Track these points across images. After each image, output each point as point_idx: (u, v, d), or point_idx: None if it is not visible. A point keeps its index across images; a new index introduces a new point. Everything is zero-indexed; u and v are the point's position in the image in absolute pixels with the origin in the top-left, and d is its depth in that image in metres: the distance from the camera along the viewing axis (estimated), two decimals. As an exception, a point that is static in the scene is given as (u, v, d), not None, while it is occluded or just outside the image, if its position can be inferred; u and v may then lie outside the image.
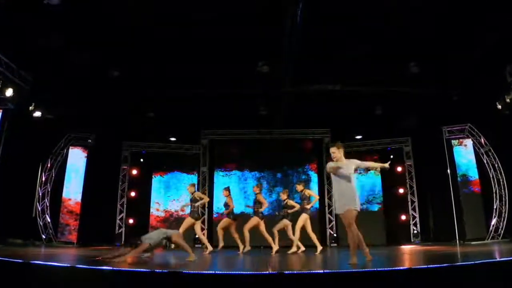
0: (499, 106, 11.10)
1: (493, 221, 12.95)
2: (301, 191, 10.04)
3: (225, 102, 12.99)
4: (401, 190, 15.71)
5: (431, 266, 4.65)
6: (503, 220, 12.84)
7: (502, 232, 12.73)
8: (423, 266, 4.86)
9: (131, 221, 15.61)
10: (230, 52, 10.17)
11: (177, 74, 11.16)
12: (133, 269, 4.70)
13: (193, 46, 9.98)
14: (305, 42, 9.04)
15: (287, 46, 9.13)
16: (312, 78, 11.57)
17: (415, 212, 15.27)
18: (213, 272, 4.45)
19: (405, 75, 10.59)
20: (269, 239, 9.86)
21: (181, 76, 11.24)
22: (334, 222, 15.45)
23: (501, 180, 13.11)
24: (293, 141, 16.41)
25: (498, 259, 5.67)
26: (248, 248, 10.06)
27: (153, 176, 16.11)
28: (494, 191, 13.22)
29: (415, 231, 15.01)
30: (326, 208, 15.66)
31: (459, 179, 13.66)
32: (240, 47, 9.91)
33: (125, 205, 15.52)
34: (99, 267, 4.77)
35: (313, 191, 12.83)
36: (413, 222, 15.15)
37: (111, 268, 4.65)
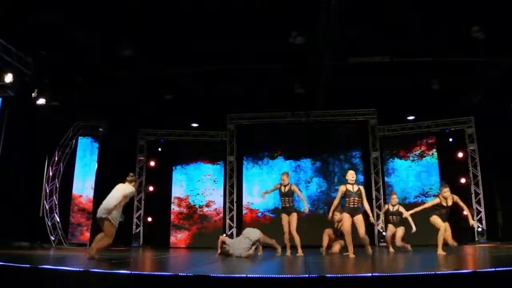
0: None
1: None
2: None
3: (254, 81, 12.90)
4: (462, 180, 15.32)
5: (500, 269, 4.51)
6: None
7: None
8: (489, 269, 4.72)
9: (149, 219, 15.85)
10: (258, 20, 10.05)
11: (198, 49, 11.11)
12: (153, 273, 4.73)
13: (215, 16, 9.89)
14: (347, 6, 8.82)
15: (326, 11, 8.94)
16: (356, 49, 11.32)
17: (479, 206, 14.87)
18: (244, 276, 4.43)
19: (467, 42, 10.20)
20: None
21: (202, 51, 11.19)
22: (383, 218, 15.22)
23: None
24: (334, 123, 16.23)
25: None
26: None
27: (173, 168, 16.26)
28: None
29: (480, 229, 14.63)
30: (374, 201, 15.46)
31: (534, 166, 13.20)
32: (269, 13, 9.77)
33: (143, 201, 15.76)
34: (115, 271, 4.81)
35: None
36: (478, 217, 14.75)
37: (129, 272, 4.69)
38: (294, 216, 9.29)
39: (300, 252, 9.07)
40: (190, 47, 11.10)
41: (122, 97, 13.33)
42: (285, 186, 9.42)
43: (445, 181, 9.25)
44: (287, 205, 9.42)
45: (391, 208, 11.04)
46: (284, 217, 9.36)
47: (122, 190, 8.14)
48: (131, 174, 8.38)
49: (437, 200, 9.04)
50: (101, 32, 10.16)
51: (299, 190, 9.74)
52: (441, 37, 10.58)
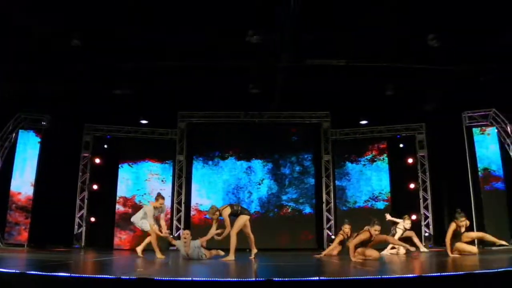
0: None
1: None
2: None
3: (207, 78, 12.85)
4: (411, 186, 15.79)
5: (444, 274, 4.68)
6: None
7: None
8: (434, 274, 4.89)
9: (93, 219, 15.48)
10: (214, 17, 10.03)
11: (150, 43, 10.96)
12: (94, 276, 4.63)
13: (169, 9, 9.79)
14: (305, 8, 8.93)
15: (283, 12, 9.02)
16: (312, 52, 11.47)
17: (427, 211, 15.37)
18: (190, 279, 4.40)
19: (422, 49, 10.55)
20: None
21: (155, 45, 11.06)
22: (332, 222, 15.52)
23: (529, 175, 13.25)
24: (287, 125, 16.41)
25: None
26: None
27: (119, 166, 15.95)
28: (520, 188, 13.34)
29: (427, 234, 15.13)
30: (324, 205, 15.71)
31: (480, 173, 13.75)
32: (226, 11, 9.76)
33: (86, 200, 15.37)
34: (53, 274, 4.68)
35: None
36: (425, 222, 15.25)
37: (68, 274, 4.57)
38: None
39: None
40: (142, 41, 10.93)
41: (68, 90, 12.99)
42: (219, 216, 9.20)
43: (460, 210, 9.55)
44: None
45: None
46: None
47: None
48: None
49: (453, 227, 9.24)
50: (47, 20, 9.86)
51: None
52: (397, 44, 10.87)
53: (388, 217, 11.89)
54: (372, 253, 8.67)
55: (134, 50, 11.32)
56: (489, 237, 9.70)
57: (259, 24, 10.06)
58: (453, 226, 9.27)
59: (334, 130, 16.27)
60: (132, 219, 10.05)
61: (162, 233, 9.67)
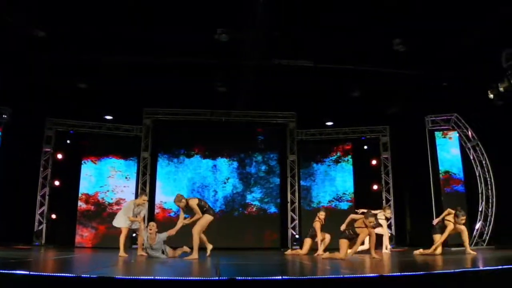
0: (491, 96, 11.43)
1: (478, 225, 13.46)
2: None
3: (174, 75, 12.76)
4: (375, 187, 16.09)
5: (405, 274, 4.78)
6: (489, 224, 13.36)
7: (487, 238, 13.25)
8: (395, 274, 4.99)
9: (54, 215, 15.17)
10: (183, 13, 9.97)
11: (117, 37, 10.82)
12: (53, 274, 4.55)
13: (138, 3, 9.69)
14: (275, 8, 8.99)
15: (252, 11, 9.04)
16: (280, 52, 11.54)
17: (390, 212, 15.63)
18: (151, 277, 4.38)
19: (389, 53, 10.74)
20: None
21: (121, 40, 10.92)
22: (297, 222, 15.65)
23: (488, 179, 13.62)
24: (253, 124, 16.45)
25: (480, 268, 5.89)
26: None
27: (82, 162, 15.69)
28: (480, 191, 13.71)
29: (389, 234, 15.38)
30: (289, 205, 15.83)
31: (441, 176, 14.09)
32: (195, 8, 9.73)
33: (47, 197, 15.04)
34: (11, 271, 4.58)
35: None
36: (388, 223, 15.50)
37: (27, 272, 4.48)
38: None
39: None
40: (108, 35, 10.78)
41: (30, 83, 12.69)
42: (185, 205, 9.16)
43: (460, 208, 9.79)
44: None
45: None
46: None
47: None
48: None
49: (451, 227, 9.48)
50: (9, 10, 9.61)
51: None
52: (364, 47, 11.04)
53: (360, 211, 11.78)
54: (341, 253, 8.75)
55: (100, 44, 11.15)
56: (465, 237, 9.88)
57: (227, 22, 10.06)
58: (451, 226, 9.48)
59: (300, 131, 16.40)
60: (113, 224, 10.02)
61: (142, 229, 9.71)
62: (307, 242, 10.95)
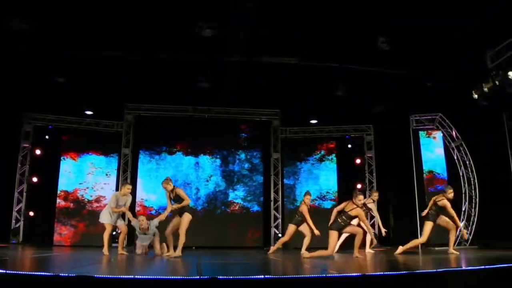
0: (475, 96, 11.58)
1: (461, 225, 13.63)
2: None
3: (156, 70, 12.70)
4: (359, 186, 16.20)
5: (386, 273, 4.84)
6: (472, 224, 13.59)
7: (470, 238, 13.46)
8: (377, 273, 5.04)
9: (31, 213, 15.01)
10: (165, 6, 9.92)
11: (98, 30, 10.70)
12: (30, 273, 4.51)
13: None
14: (260, 3, 8.99)
15: (237, 5, 9.04)
16: (264, 48, 11.54)
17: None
18: (131, 277, 4.36)
19: (373, 51, 10.80)
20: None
21: (102, 34, 10.81)
22: (280, 220, 15.70)
23: (471, 179, 13.85)
24: (236, 122, 16.45)
25: (462, 268, 5.98)
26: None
27: (61, 158, 15.54)
28: (463, 192, 13.95)
29: (373, 233, 15.50)
30: (272, 203, 15.87)
31: (424, 176, 14.26)
32: (178, 1, 9.69)
33: (24, 193, 14.89)
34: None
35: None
36: (371, 222, 15.66)
37: (3, 271, 4.43)
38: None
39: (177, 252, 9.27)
40: (88, 28, 10.66)
41: (7, 76, 12.51)
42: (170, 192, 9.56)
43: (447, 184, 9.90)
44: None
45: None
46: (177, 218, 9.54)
47: None
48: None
49: (449, 204, 9.52)
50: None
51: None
52: (350, 44, 11.08)
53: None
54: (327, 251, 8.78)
55: (80, 37, 11.02)
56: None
57: (211, 16, 10.02)
58: (443, 201, 9.51)
59: (283, 128, 16.46)
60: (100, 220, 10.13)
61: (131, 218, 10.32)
62: (291, 228, 10.67)
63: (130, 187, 10.14)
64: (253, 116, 16.38)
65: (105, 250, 9.50)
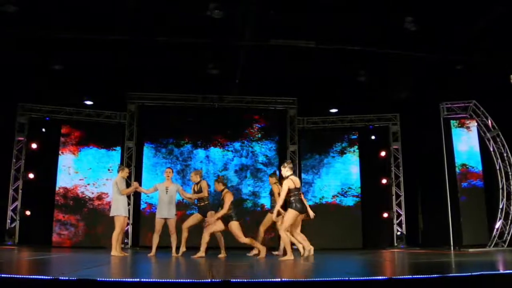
0: (513, 81, 11.46)
1: (498, 224, 13.52)
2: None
3: (161, 56, 12.73)
4: (383, 181, 16.12)
5: (416, 276, 4.82)
6: (510, 223, 13.41)
7: (509, 238, 13.30)
8: (406, 277, 5.03)
9: (28, 212, 15.15)
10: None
11: (98, 12, 10.75)
12: (28, 276, 4.57)
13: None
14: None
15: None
16: (280, 31, 11.50)
17: (400, 208, 15.74)
18: (137, 280, 4.40)
19: (399, 33, 10.72)
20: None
21: (102, 16, 10.86)
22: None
23: (510, 173, 13.66)
24: (249, 111, 16.43)
25: (500, 271, 5.93)
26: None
27: (59, 152, 15.66)
28: (500, 187, 13.78)
29: (400, 233, 15.47)
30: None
31: (457, 169, 14.08)
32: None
33: (20, 191, 15.02)
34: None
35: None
36: (398, 221, 15.61)
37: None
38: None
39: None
40: (88, 10, 10.70)
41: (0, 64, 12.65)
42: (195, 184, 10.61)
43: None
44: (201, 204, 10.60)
45: None
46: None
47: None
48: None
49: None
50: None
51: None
52: (372, 26, 11.01)
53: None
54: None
55: (78, 20, 11.08)
56: None
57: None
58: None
59: (301, 118, 16.40)
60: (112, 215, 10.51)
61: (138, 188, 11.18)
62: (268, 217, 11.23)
63: (128, 170, 11.02)
64: (268, 105, 16.35)
65: (118, 250, 9.66)
